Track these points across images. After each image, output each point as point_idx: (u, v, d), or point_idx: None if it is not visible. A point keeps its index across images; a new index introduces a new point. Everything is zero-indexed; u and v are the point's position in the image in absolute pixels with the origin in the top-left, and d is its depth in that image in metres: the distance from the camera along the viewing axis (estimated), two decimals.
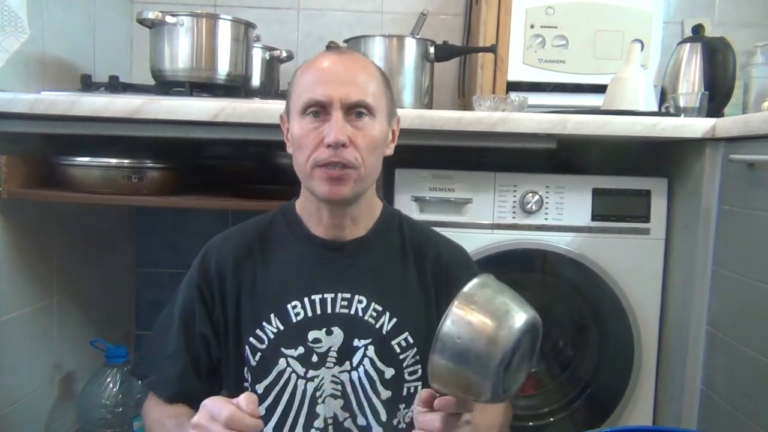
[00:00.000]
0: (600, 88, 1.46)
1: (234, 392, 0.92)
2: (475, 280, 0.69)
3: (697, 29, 1.62)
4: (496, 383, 0.66)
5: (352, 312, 0.93)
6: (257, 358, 0.93)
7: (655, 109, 1.43)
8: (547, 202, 1.35)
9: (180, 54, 1.38)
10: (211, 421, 0.72)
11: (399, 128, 0.98)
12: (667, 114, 1.37)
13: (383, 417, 0.93)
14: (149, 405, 0.96)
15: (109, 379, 1.45)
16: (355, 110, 0.87)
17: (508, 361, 0.66)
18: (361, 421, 0.93)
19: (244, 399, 0.73)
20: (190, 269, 0.98)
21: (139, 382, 1.23)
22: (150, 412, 0.95)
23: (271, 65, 1.71)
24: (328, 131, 0.85)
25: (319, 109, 0.86)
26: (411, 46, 1.51)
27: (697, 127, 1.23)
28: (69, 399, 1.52)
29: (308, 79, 0.88)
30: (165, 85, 1.41)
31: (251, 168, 1.53)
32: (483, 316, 0.66)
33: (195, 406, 0.77)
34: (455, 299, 0.67)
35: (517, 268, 1.38)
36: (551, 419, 1.41)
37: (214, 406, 0.73)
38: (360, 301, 0.93)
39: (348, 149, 0.85)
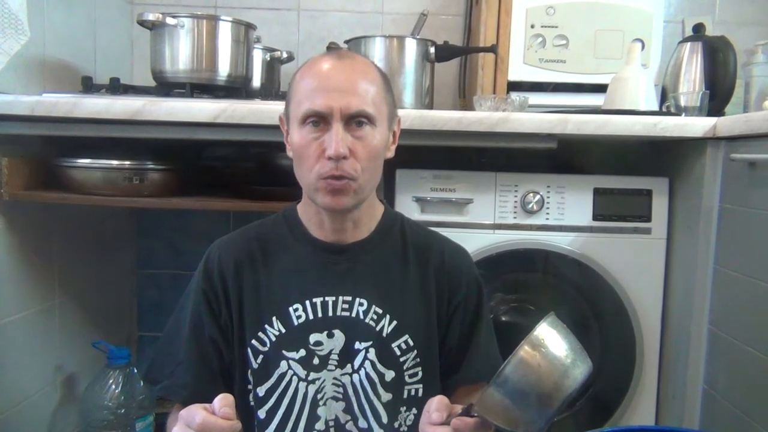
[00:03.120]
0: (600, 88, 1.45)
1: (238, 395, 0.92)
2: (543, 324, 0.72)
3: (698, 28, 1.62)
4: (544, 425, 0.70)
5: (353, 315, 0.93)
6: (259, 360, 0.93)
7: (656, 108, 1.43)
8: (548, 202, 1.35)
9: (180, 55, 1.38)
10: (186, 429, 0.72)
11: (400, 129, 0.98)
12: (668, 113, 1.37)
13: (384, 419, 0.93)
14: (171, 417, 0.95)
15: (111, 381, 1.45)
16: (355, 120, 0.86)
17: (562, 406, 0.70)
18: (362, 423, 0.93)
19: (218, 402, 0.72)
20: (195, 274, 0.98)
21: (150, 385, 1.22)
22: (170, 423, 0.94)
23: (272, 66, 1.71)
24: (328, 143, 0.84)
25: (318, 119, 0.86)
26: (411, 47, 1.51)
27: (698, 126, 1.23)
28: (71, 401, 1.52)
29: (308, 86, 0.87)
30: (166, 86, 1.42)
31: (252, 169, 1.53)
32: (549, 363, 0.69)
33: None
34: (524, 342, 0.70)
35: (518, 268, 1.38)
36: (553, 419, 1.41)
37: (189, 414, 0.72)
38: (361, 304, 0.93)
39: (348, 161, 0.85)
